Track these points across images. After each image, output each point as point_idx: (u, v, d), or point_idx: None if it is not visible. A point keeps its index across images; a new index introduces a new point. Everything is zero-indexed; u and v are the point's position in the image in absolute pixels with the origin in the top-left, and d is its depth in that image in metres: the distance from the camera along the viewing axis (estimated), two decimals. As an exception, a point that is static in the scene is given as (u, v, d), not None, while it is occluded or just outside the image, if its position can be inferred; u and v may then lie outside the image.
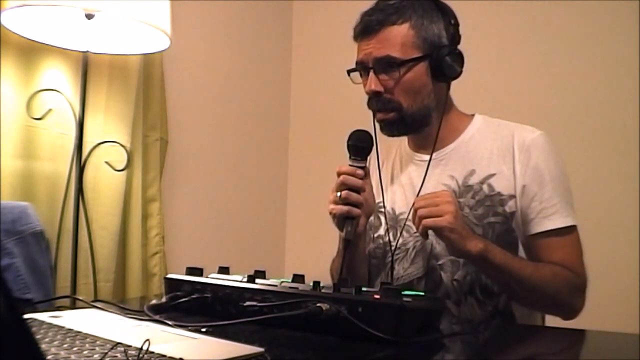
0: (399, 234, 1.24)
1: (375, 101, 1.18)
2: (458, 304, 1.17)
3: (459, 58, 1.18)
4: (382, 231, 1.28)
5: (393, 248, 1.24)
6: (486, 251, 1.05)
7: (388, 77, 1.16)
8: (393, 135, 1.25)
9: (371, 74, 1.16)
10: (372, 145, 1.15)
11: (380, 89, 1.16)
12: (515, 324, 1.18)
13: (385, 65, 1.15)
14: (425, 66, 1.17)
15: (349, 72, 1.22)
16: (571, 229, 1.16)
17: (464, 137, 1.25)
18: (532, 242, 1.17)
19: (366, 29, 1.17)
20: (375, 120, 1.22)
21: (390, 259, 1.24)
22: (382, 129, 1.22)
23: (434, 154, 1.24)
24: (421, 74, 1.17)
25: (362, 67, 1.19)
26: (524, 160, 1.17)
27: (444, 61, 1.16)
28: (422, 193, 1.21)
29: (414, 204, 1.10)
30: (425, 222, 1.04)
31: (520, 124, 1.25)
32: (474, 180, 1.19)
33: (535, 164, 1.17)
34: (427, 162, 1.24)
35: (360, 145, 1.13)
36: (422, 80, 1.17)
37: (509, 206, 1.16)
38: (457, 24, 1.20)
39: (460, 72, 1.19)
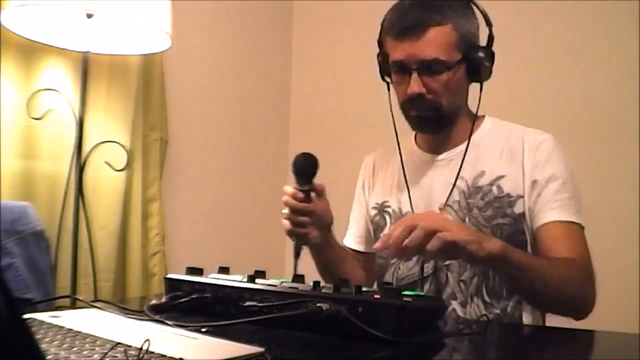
0: None
1: (417, 103, 1.16)
2: (464, 305, 1.17)
3: (492, 59, 1.19)
4: (387, 231, 1.28)
5: None
6: (507, 247, 0.98)
7: (432, 80, 1.14)
8: (426, 133, 1.26)
9: (414, 75, 1.14)
10: (316, 168, 1.14)
11: (424, 91, 1.15)
12: (515, 324, 1.17)
13: (432, 68, 1.13)
14: (464, 67, 1.16)
15: (381, 71, 1.22)
16: (578, 227, 1.14)
17: (475, 138, 1.24)
18: (539, 235, 1.14)
19: (409, 28, 1.13)
20: (408, 118, 1.21)
21: (395, 259, 1.24)
22: (415, 127, 1.22)
23: (444, 154, 1.25)
24: (462, 75, 1.17)
25: (402, 68, 1.17)
26: (533, 159, 1.17)
27: (482, 63, 1.16)
28: (433, 195, 1.22)
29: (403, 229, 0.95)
30: (441, 235, 0.90)
31: (523, 125, 1.25)
32: (483, 181, 1.19)
33: (545, 162, 1.16)
34: (436, 163, 1.26)
35: (302, 171, 1.14)
36: (461, 81, 1.18)
37: (518, 207, 1.16)
38: (491, 24, 1.20)
39: (491, 73, 1.20)
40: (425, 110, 1.17)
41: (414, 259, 1.22)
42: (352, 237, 1.42)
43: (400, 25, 1.15)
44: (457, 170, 1.22)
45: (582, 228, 1.14)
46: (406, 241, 0.90)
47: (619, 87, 1.99)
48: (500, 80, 2.11)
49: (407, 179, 1.28)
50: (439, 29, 1.13)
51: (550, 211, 1.13)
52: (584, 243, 1.14)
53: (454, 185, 1.21)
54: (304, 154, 1.14)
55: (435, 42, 1.13)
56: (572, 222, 1.13)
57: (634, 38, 1.95)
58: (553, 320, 1.24)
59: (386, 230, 1.28)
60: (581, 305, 1.10)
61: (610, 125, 2.00)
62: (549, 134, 1.21)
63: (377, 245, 0.95)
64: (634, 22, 1.95)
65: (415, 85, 1.14)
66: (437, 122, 1.19)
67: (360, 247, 1.40)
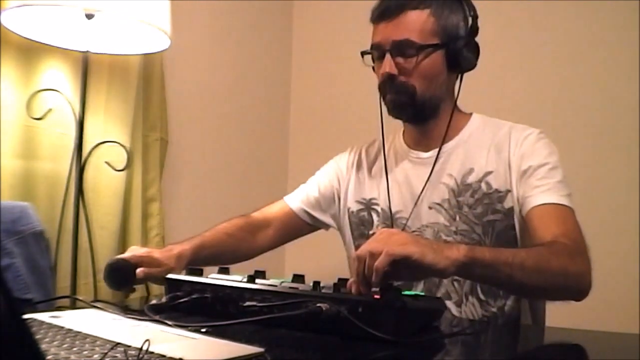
0: None
1: (389, 84, 1.17)
2: (459, 304, 1.17)
3: (476, 50, 1.18)
4: (375, 229, 1.27)
5: None
6: (472, 251, 0.91)
7: (404, 61, 1.15)
8: (400, 119, 1.24)
9: (387, 56, 1.15)
10: (127, 282, 1.09)
11: (395, 71, 1.15)
12: (515, 324, 1.17)
13: (403, 48, 1.14)
14: (441, 55, 1.16)
15: (362, 54, 1.21)
16: (567, 208, 1.10)
17: (463, 136, 1.24)
18: (528, 220, 1.11)
19: (386, 11, 1.16)
20: (385, 102, 1.20)
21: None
22: (390, 111, 1.21)
23: (431, 152, 1.24)
24: (437, 62, 1.16)
25: (378, 50, 1.18)
26: (518, 151, 1.17)
27: (461, 52, 1.16)
28: (422, 192, 1.21)
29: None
30: (389, 250, 0.82)
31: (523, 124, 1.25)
32: (472, 178, 1.19)
33: (531, 152, 1.16)
34: (423, 160, 1.24)
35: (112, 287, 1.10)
36: (437, 68, 1.17)
37: (507, 202, 1.16)
38: (476, 16, 1.20)
39: (475, 65, 1.18)
40: (398, 92, 1.17)
41: None
42: (298, 199, 1.39)
43: (379, 9, 1.17)
44: (445, 169, 1.21)
45: (572, 211, 1.11)
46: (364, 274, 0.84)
47: (619, 87, 1.99)
48: (499, 78, 2.12)
49: (395, 176, 1.27)
50: (415, 12, 1.15)
51: (537, 195, 1.11)
52: (573, 222, 1.09)
53: (426, 182, 1.20)
54: (106, 271, 1.09)
55: (409, 24, 1.14)
56: (560, 204, 1.10)
57: (634, 38, 1.95)
58: (553, 320, 1.24)
59: (374, 229, 1.27)
60: (573, 284, 1.02)
61: (610, 124, 2.00)
62: (537, 128, 1.21)
63: (354, 290, 0.85)
64: (634, 21, 1.95)
65: (387, 65, 1.15)
66: (412, 108, 1.18)
67: (303, 206, 1.38)
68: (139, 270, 1.07)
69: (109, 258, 1.12)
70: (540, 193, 1.11)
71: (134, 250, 1.14)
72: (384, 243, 0.84)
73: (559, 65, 2.09)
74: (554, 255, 0.99)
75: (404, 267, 0.83)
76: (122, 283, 1.08)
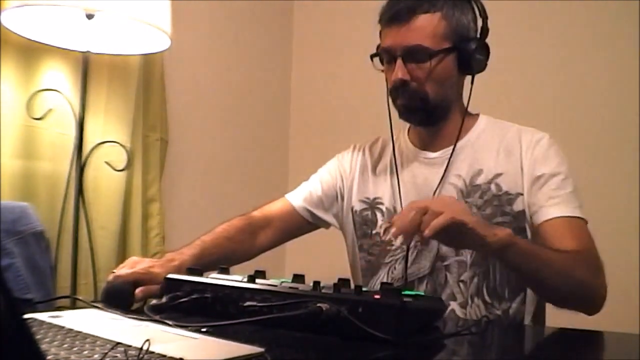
0: None
1: (401, 90, 1.16)
2: (464, 306, 1.16)
3: (486, 52, 1.18)
4: (379, 228, 1.26)
5: (394, 247, 1.23)
6: (514, 236, 0.98)
7: (416, 67, 1.14)
8: (411, 122, 1.25)
9: (399, 62, 1.14)
10: (126, 303, 1.03)
11: (408, 77, 1.14)
12: (516, 324, 1.17)
13: (415, 54, 1.13)
14: (453, 58, 1.16)
15: (372, 57, 1.21)
16: (581, 221, 1.13)
17: (471, 137, 1.24)
18: (543, 231, 1.12)
19: (396, 16, 1.14)
20: (396, 106, 1.20)
21: (390, 259, 1.23)
22: (400, 114, 1.21)
23: (439, 152, 1.24)
24: (449, 66, 1.16)
25: (388, 54, 1.17)
26: (531, 156, 1.17)
27: (472, 55, 1.15)
28: (431, 194, 1.20)
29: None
30: (449, 213, 0.89)
31: (521, 125, 1.25)
32: (481, 180, 1.18)
33: (544, 158, 1.16)
34: (431, 160, 1.24)
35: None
36: (449, 72, 1.16)
37: (517, 205, 1.15)
38: (486, 17, 1.19)
39: (485, 67, 1.18)
40: (410, 98, 1.16)
41: (410, 259, 1.20)
42: (300, 197, 1.36)
43: (389, 13, 1.16)
44: (453, 170, 1.21)
45: (585, 222, 1.13)
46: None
47: (619, 87, 1.99)
48: (499, 79, 2.11)
49: (402, 176, 1.26)
50: (426, 16, 1.13)
51: (552, 207, 1.12)
52: (589, 236, 1.12)
53: (440, 182, 1.20)
54: (104, 294, 1.05)
55: (420, 29, 1.13)
56: (575, 217, 1.12)
57: (634, 38, 1.95)
58: (554, 320, 1.24)
59: (378, 228, 1.26)
60: (592, 297, 1.07)
61: (610, 125, 2.00)
62: (545, 132, 1.21)
63: (394, 232, 0.93)
64: (634, 22, 1.95)
65: (399, 71, 1.14)
66: (424, 112, 1.18)
67: (305, 204, 1.35)
68: (138, 291, 1.04)
69: (107, 280, 1.07)
70: (554, 205, 1.12)
71: (134, 264, 1.10)
72: (444, 205, 0.92)
73: (559, 66, 2.09)
74: (578, 265, 1.04)
75: (457, 233, 0.91)
76: (121, 305, 1.06)
